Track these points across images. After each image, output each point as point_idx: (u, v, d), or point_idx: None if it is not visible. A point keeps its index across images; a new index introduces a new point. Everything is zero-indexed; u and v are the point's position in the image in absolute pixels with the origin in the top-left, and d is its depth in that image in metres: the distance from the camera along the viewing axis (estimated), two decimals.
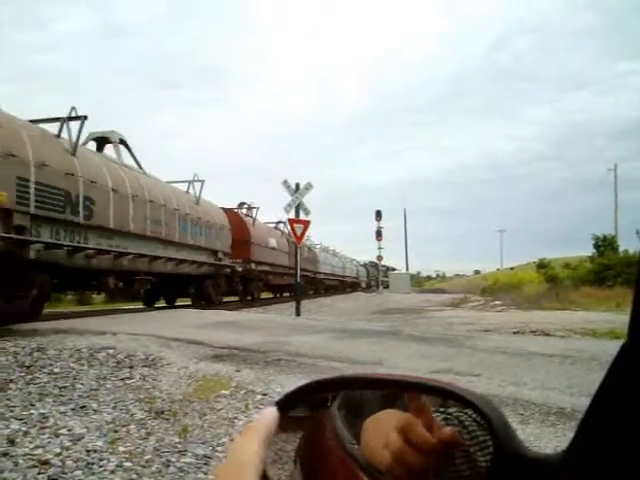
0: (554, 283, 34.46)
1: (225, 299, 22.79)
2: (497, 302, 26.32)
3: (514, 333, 11.11)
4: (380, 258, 50.56)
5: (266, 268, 26.54)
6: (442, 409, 0.83)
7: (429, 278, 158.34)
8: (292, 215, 17.40)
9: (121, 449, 3.57)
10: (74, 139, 12.20)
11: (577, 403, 4.81)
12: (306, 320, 13.80)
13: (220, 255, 20.76)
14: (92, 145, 15.22)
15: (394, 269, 67.31)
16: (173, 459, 3.46)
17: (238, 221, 23.96)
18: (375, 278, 59.74)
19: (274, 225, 30.60)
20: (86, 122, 12.40)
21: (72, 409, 4.47)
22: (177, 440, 3.82)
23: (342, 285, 50.78)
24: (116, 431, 3.95)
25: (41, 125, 12.23)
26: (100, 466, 3.26)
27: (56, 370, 5.70)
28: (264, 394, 5.06)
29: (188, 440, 3.84)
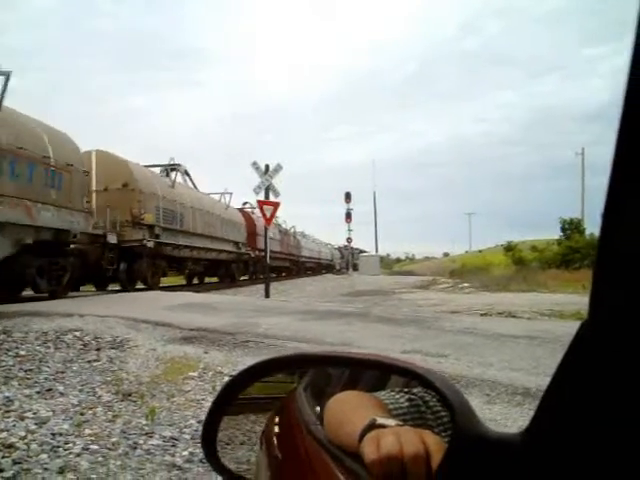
0: (522, 266, 34.89)
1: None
2: (465, 284, 26.53)
3: (482, 315, 11.23)
4: (350, 240, 50.62)
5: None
6: (406, 389, 0.84)
7: (398, 260, 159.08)
8: (261, 197, 17.30)
9: (87, 432, 3.55)
10: (172, 177, 21.06)
11: (542, 383, 4.84)
12: (276, 302, 13.79)
13: (240, 246, 27.87)
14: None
15: (363, 251, 67.56)
16: (140, 441, 3.45)
17: (248, 218, 30.66)
18: (347, 260, 61.23)
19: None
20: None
21: (38, 392, 4.43)
22: (144, 422, 3.81)
23: (319, 267, 56.48)
24: (82, 414, 3.93)
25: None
26: (66, 449, 3.24)
27: (22, 353, 5.63)
28: (232, 376, 5.05)
29: (155, 422, 3.82)
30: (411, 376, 0.74)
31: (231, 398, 0.98)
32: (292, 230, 44.27)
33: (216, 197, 26.58)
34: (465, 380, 5.12)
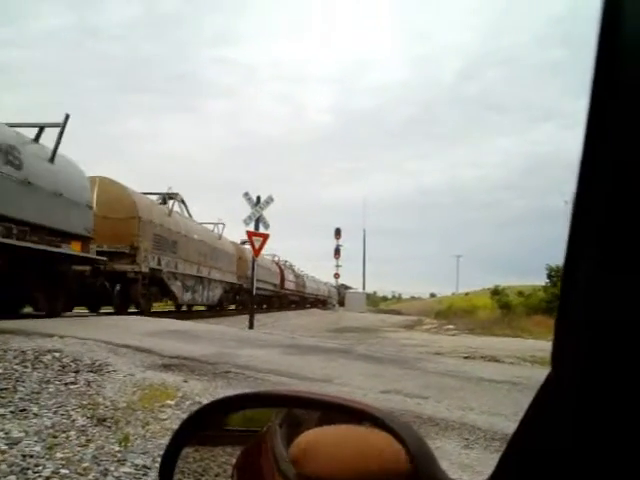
0: (507, 310, 34.97)
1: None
2: (450, 326, 26.53)
3: (465, 358, 11.22)
4: (337, 275, 50.70)
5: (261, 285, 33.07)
6: None
7: (385, 299, 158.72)
8: (252, 227, 17.32)
9: (59, 455, 3.49)
10: (169, 206, 21.81)
11: None
12: (259, 334, 13.72)
13: (231, 276, 29.13)
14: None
15: (349, 287, 67.81)
16: (112, 468, 3.39)
17: (241, 252, 31.65)
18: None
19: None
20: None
21: (11, 412, 4.36)
22: (117, 449, 3.75)
23: (317, 301, 63.82)
24: (55, 437, 3.87)
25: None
26: (35, 472, 3.18)
27: None
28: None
29: (128, 449, 3.77)
30: (371, 420, 0.73)
31: (193, 431, 0.97)
32: (302, 272, 56.58)
33: (209, 227, 27.73)
34: (444, 423, 5.09)
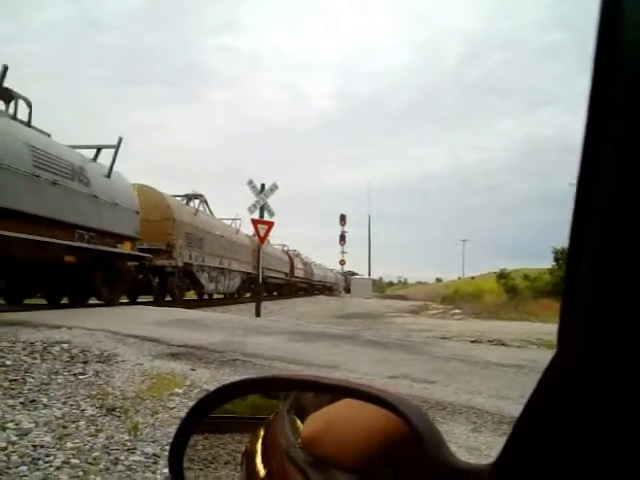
0: (513, 294, 34.88)
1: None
2: (457, 310, 26.55)
3: (472, 342, 11.23)
4: (343, 262, 50.77)
5: (273, 274, 37.40)
6: None
7: (391, 284, 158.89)
8: (256, 215, 17.31)
9: (69, 445, 3.52)
10: (195, 205, 24.67)
11: None
12: (266, 321, 13.75)
13: (248, 265, 31.02)
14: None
15: (355, 274, 67.81)
16: (122, 457, 3.42)
17: (256, 244, 34.24)
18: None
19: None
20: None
21: (21, 403, 4.39)
22: (127, 438, 3.78)
23: (324, 288, 64.62)
24: (65, 427, 3.90)
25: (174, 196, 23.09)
26: (46, 462, 3.21)
27: (8, 363, 5.59)
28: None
29: (138, 438, 3.80)
30: (379, 403, 0.73)
31: (200, 418, 0.97)
32: (310, 261, 58.09)
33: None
34: (452, 407, 5.11)
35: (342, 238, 48.33)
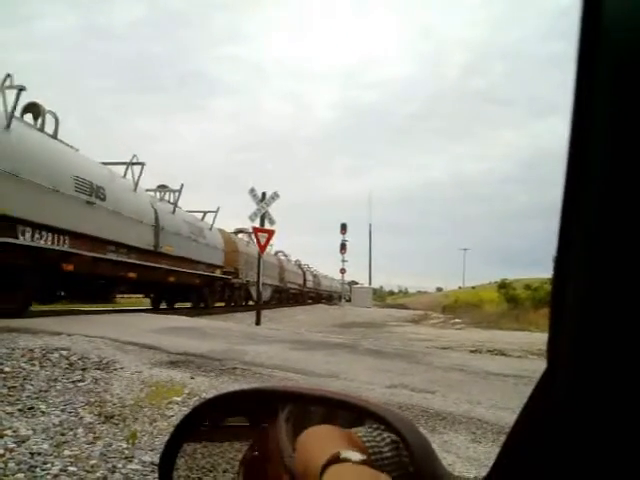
0: (514, 303, 34.90)
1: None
2: (457, 320, 26.55)
3: (472, 352, 11.20)
4: (343, 271, 50.72)
5: (291, 285, 46.67)
6: (384, 426, 0.83)
7: (392, 293, 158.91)
8: (257, 224, 17.34)
9: (67, 453, 3.51)
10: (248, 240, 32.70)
11: None
12: (265, 330, 13.74)
13: (275, 279, 39.20)
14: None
15: (356, 282, 67.79)
16: (119, 465, 3.41)
17: (281, 262, 43.57)
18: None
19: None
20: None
21: (19, 410, 4.38)
22: (125, 446, 3.77)
23: (330, 296, 68.91)
24: (63, 434, 3.89)
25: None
26: (43, 469, 3.20)
27: (6, 369, 5.58)
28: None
29: (136, 446, 3.78)
30: (369, 415, 0.73)
31: (192, 428, 0.97)
32: (317, 272, 63.31)
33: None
34: (452, 417, 5.09)
35: (343, 247, 48.32)
